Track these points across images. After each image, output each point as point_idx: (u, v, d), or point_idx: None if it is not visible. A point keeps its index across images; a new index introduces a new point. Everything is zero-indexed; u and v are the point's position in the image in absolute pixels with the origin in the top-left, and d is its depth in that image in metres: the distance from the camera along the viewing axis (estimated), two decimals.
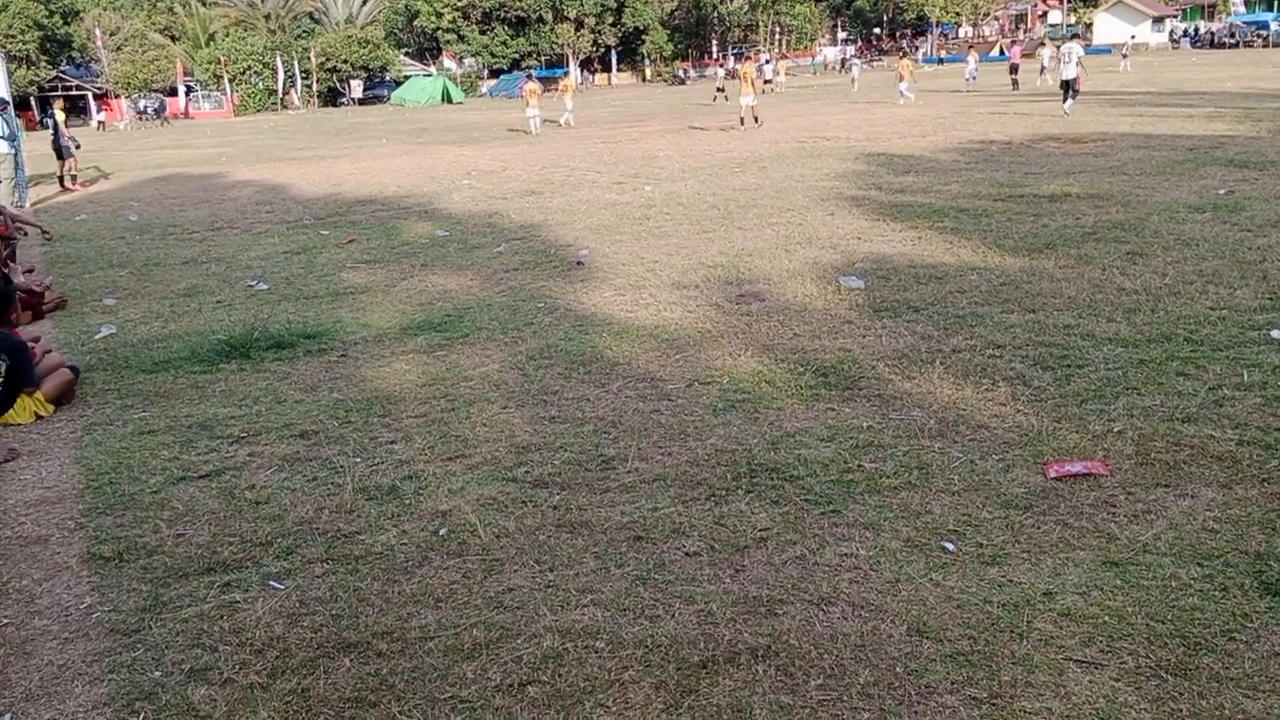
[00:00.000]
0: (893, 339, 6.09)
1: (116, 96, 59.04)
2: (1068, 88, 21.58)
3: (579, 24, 71.01)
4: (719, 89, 41.09)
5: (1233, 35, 64.30)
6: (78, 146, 20.56)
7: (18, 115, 19.33)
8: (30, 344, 5.99)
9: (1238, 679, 2.72)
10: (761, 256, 8.80)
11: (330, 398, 5.66)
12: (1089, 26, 68.86)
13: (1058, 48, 26.91)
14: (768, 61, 48.45)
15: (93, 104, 59.19)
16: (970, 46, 46.16)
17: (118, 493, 4.47)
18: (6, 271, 8.41)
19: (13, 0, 53.99)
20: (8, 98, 17.46)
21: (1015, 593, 3.21)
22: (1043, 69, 33.48)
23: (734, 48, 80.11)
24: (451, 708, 2.80)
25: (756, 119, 24.07)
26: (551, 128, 28.54)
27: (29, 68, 55.08)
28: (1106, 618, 3.04)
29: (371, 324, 7.32)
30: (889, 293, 7.21)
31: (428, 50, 75.39)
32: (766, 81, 42.21)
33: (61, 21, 57.98)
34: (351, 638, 3.18)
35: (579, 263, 9.09)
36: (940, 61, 68.21)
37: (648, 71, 77.15)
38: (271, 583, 3.57)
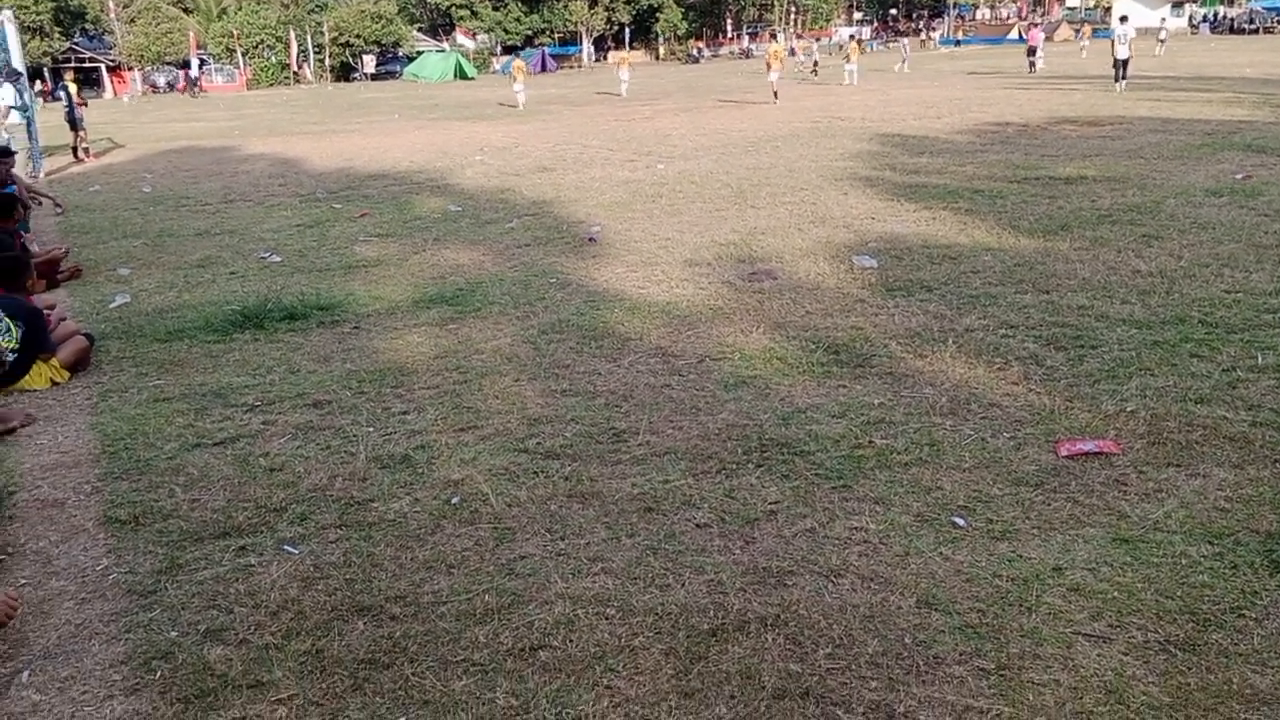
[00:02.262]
0: (905, 317, 6.08)
1: (129, 69, 58.99)
2: (1121, 66, 22.81)
3: (593, 1, 70.60)
4: (815, 62, 41.11)
5: (1252, 21, 63.59)
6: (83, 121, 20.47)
7: (30, 86, 19.31)
8: (46, 311, 6.03)
9: (1246, 655, 2.73)
10: (774, 235, 8.78)
11: (343, 368, 5.69)
12: (1108, 10, 68.22)
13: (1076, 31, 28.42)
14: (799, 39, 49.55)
15: (105, 76, 59.17)
16: (1033, 25, 44.68)
17: (133, 458, 4.51)
18: (23, 240, 8.44)
19: None
20: (21, 69, 17.46)
21: (1025, 568, 3.22)
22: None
23: (749, 27, 79.62)
24: (464, 670, 2.83)
25: (776, 95, 25.38)
26: (611, 99, 28.45)
27: (43, 39, 55.04)
28: (1116, 593, 3.05)
29: (384, 297, 7.34)
30: (902, 272, 7.20)
31: (441, 26, 75.10)
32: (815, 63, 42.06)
33: None
34: (365, 601, 3.21)
35: (591, 239, 9.09)
36: (956, 43, 67.67)
37: (661, 50, 76.71)
38: (286, 547, 3.60)
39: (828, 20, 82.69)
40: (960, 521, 3.55)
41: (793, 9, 79.86)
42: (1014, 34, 63.24)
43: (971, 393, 4.78)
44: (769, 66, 26.33)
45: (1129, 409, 4.45)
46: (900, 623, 2.97)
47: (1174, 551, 3.26)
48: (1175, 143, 13.34)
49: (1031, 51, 33.83)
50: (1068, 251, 7.51)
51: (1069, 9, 78.68)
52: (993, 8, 79.02)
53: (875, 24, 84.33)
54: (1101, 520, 3.51)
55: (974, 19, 79.65)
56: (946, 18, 77.67)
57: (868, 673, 2.75)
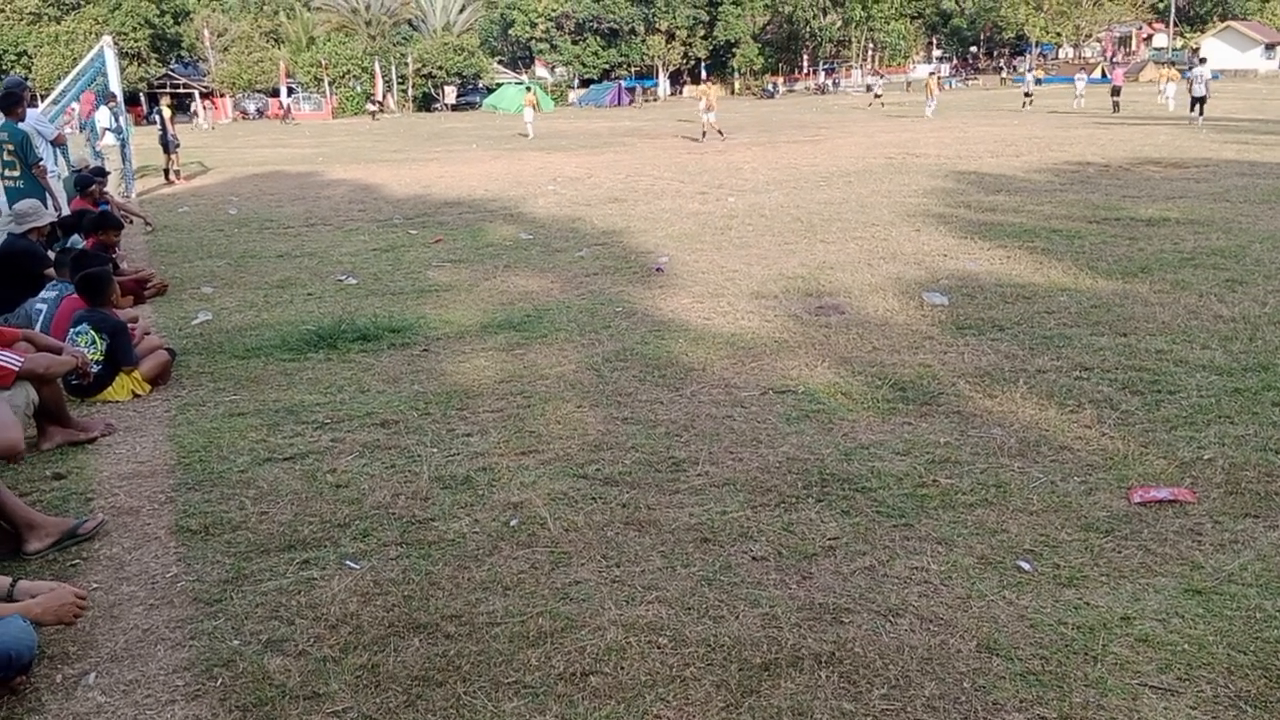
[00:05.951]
0: (975, 356, 5.98)
1: (222, 95, 61.13)
2: (1197, 104, 25.37)
3: (670, 36, 71.36)
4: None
5: None
6: (178, 145, 21.22)
7: (127, 110, 20.09)
8: (130, 325, 6.25)
9: None
10: (843, 270, 8.72)
11: (411, 390, 5.79)
12: (1196, 51, 66.75)
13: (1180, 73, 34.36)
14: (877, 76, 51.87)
15: (199, 102, 61.39)
16: (1115, 65, 44.92)
17: (206, 470, 4.64)
18: (115, 257, 8.78)
19: None
20: (118, 92, 18.20)
21: (1091, 616, 3.13)
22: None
23: (825, 63, 79.61)
24: (515, 692, 2.85)
25: (720, 133, 27.10)
26: (683, 132, 28.71)
27: (139, 65, 57.32)
28: (1186, 645, 2.94)
29: (453, 321, 7.46)
30: (974, 310, 7.09)
31: (521, 59, 76.56)
32: (878, 97, 44.17)
33: (172, 21, 60.30)
34: (422, 619, 3.25)
35: (658, 269, 9.14)
36: (1038, 82, 66.80)
37: (737, 84, 77.03)
38: (348, 562, 3.66)
39: (905, 57, 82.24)
40: (1025, 566, 3.47)
41: (870, 45, 79.66)
42: (1097, 73, 62.14)
43: (1042, 435, 4.68)
44: (709, 107, 27.51)
45: (1206, 457, 4.31)
46: (959, 666, 2.91)
47: (1249, 605, 3.14)
48: (1263, 186, 12.96)
49: (1116, 91, 33.23)
50: (1147, 294, 7.33)
51: (1155, 50, 77.16)
52: (1076, 47, 77.79)
53: (955, 61, 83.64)
54: (1174, 570, 3.40)
55: (1056, 58, 78.51)
56: (1029, 56, 76.64)
57: (924, 715, 2.69)
